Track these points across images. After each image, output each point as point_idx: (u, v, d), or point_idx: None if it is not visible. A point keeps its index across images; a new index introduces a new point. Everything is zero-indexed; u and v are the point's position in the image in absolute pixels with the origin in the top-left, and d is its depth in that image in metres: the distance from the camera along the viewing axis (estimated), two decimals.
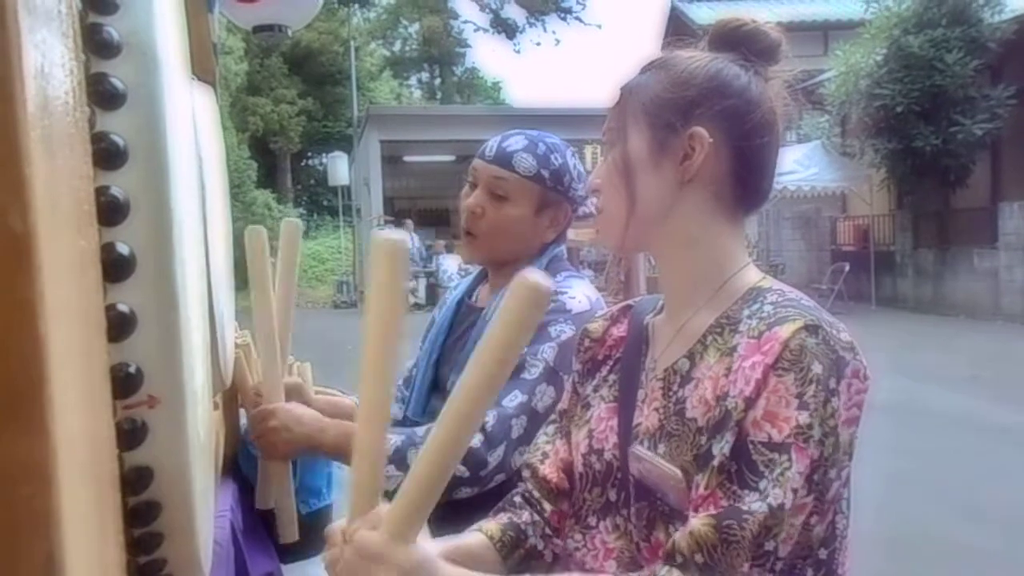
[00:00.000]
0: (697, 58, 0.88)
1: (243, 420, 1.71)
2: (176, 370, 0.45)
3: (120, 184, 0.43)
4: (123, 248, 0.42)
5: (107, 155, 0.42)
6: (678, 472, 0.80)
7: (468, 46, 31.87)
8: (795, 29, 19.36)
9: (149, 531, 0.45)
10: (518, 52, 30.25)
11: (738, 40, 0.89)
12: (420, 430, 1.29)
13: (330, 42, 25.46)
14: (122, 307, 0.42)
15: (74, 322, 0.25)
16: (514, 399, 1.25)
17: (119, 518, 0.36)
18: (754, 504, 0.72)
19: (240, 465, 1.65)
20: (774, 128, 0.88)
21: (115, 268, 0.42)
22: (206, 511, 0.56)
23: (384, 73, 30.64)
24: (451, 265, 15.24)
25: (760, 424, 0.74)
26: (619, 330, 0.99)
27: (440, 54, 30.71)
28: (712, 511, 0.74)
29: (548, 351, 1.27)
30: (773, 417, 0.73)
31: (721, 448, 0.75)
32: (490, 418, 1.24)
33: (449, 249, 15.78)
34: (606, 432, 0.91)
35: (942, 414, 6.06)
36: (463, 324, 1.47)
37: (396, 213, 18.47)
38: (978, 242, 11.38)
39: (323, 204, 26.75)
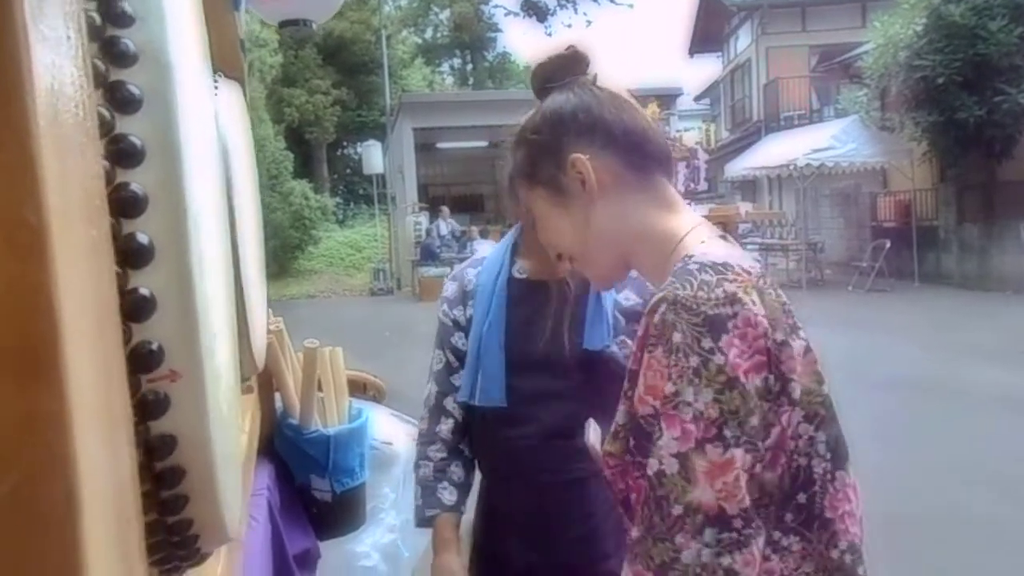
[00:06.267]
0: (530, 114, 1.01)
1: (278, 403, 1.78)
2: (195, 347, 0.50)
3: (138, 180, 0.47)
4: (143, 238, 0.47)
5: (126, 155, 0.47)
6: None
7: (499, 30, 31.77)
8: (833, 2, 18.94)
9: (175, 493, 0.50)
10: (549, 35, 29.95)
11: (553, 75, 1.00)
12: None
13: (362, 31, 25.57)
14: (143, 291, 0.47)
15: (87, 300, 0.30)
16: None
17: (135, 471, 0.40)
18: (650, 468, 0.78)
19: (276, 446, 1.72)
20: (616, 107, 0.95)
21: (136, 256, 0.46)
22: (231, 478, 0.61)
23: (416, 60, 30.71)
24: (486, 251, 15.23)
25: (644, 399, 0.80)
26: None
27: (471, 40, 30.67)
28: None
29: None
30: (653, 391, 0.78)
31: (617, 418, 0.84)
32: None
33: (484, 235, 15.81)
34: None
35: (990, 391, 5.95)
36: (531, 300, 1.49)
37: (430, 200, 18.56)
38: None
39: (359, 192, 27.00)
